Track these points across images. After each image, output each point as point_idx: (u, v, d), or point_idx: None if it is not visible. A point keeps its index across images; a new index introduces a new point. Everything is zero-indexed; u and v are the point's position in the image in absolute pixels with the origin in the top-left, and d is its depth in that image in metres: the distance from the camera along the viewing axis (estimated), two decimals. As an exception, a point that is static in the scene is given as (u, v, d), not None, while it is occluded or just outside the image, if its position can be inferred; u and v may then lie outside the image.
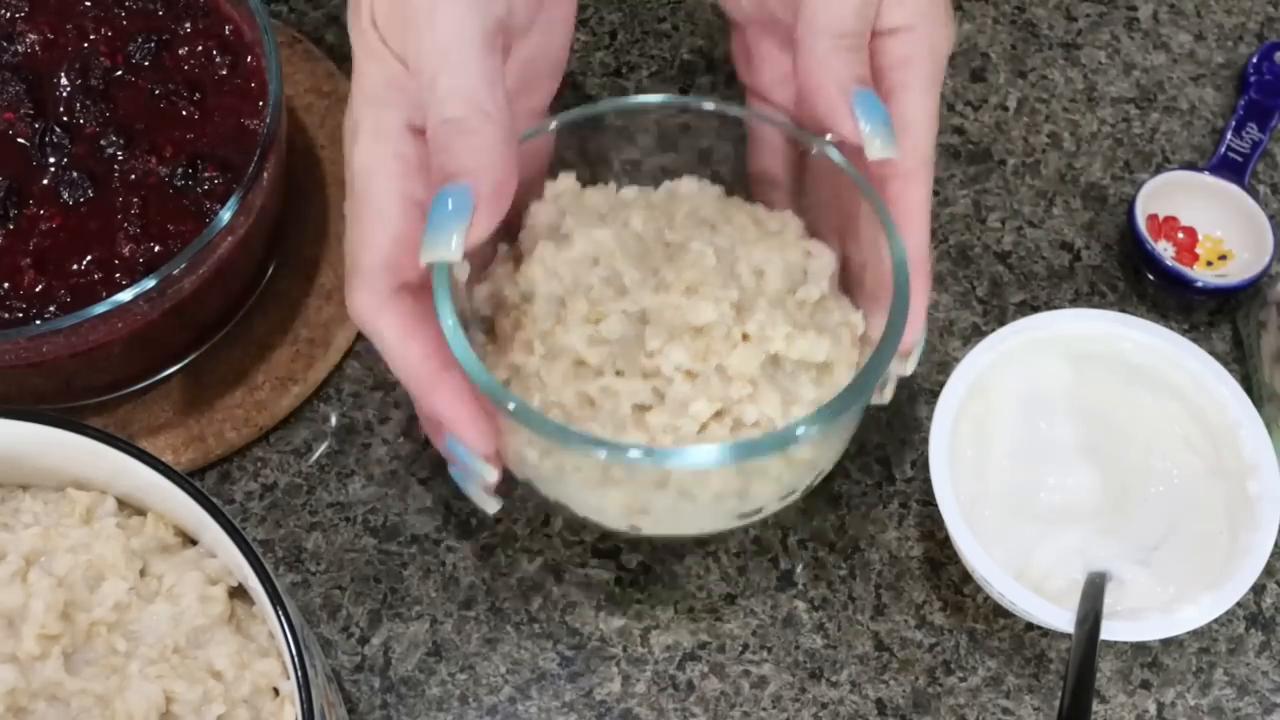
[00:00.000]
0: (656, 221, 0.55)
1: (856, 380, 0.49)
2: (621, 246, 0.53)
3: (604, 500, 0.52)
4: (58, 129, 0.60)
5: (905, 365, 0.53)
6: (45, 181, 0.59)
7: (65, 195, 0.58)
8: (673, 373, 0.51)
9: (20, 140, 0.60)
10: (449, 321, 0.48)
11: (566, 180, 0.57)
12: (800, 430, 0.48)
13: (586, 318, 0.52)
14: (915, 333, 0.52)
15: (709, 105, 0.57)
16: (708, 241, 0.54)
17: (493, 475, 0.50)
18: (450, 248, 0.46)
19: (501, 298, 0.54)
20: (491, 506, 0.53)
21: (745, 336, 0.51)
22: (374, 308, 0.48)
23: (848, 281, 0.56)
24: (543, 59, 0.54)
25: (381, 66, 0.49)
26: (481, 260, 0.55)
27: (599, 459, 0.48)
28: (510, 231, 0.56)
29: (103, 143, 0.60)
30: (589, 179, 0.58)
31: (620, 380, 0.51)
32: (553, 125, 0.55)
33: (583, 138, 0.57)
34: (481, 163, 0.46)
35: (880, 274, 0.52)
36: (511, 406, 0.47)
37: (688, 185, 0.58)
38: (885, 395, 0.54)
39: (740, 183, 0.59)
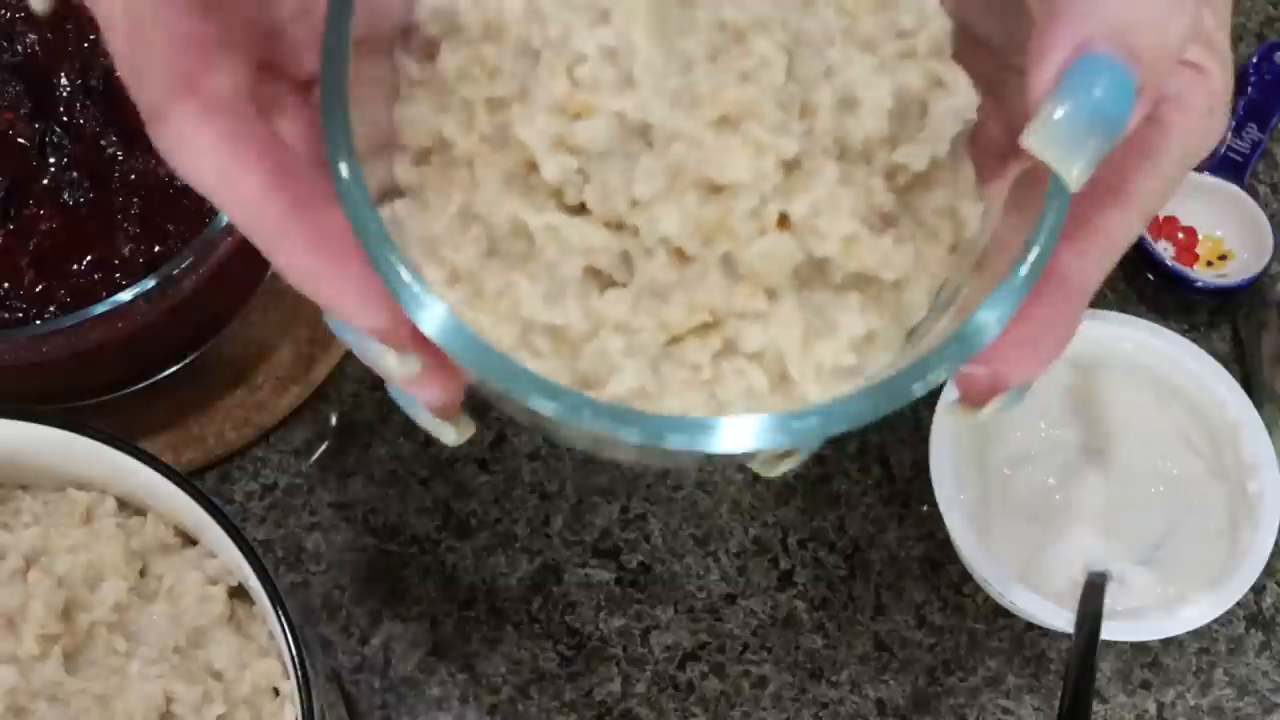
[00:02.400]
0: None
1: (906, 371, 0.32)
2: (653, 4, 0.33)
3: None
4: (58, 129, 0.60)
5: (979, 407, 0.35)
6: (45, 181, 0.59)
7: (65, 195, 0.58)
8: (655, 244, 0.33)
9: (20, 140, 0.60)
10: (342, 165, 0.31)
11: None
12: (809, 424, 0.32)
13: (562, 103, 0.33)
14: (1029, 355, 0.35)
15: None
16: (783, 44, 0.34)
17: (394, 363, 0.33)
18: None
19: (453, 17, 0.34)
20: (450, 434, 0.35)
21: (784, 220, 0.33)
22: (184, 132, 0.32)
23: (986, 138, 0.36)
24: None
25: None
26: None
27: (547, 411, 0.31)
28: None
29: (102, 143, 0.60)
30: None
31: (579, 222, 0.33)
32: None
33: None
34: None
35: (1032, 169, 0.33)
36: (429, 312, 0.31)
37: None
38: (984, 410, 0.35)
39: None
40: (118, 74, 0.61)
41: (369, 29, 0.32)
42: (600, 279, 0.34)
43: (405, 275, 0.31)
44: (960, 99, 0.35)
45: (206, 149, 0.32)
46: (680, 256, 0.33)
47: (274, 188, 0.32)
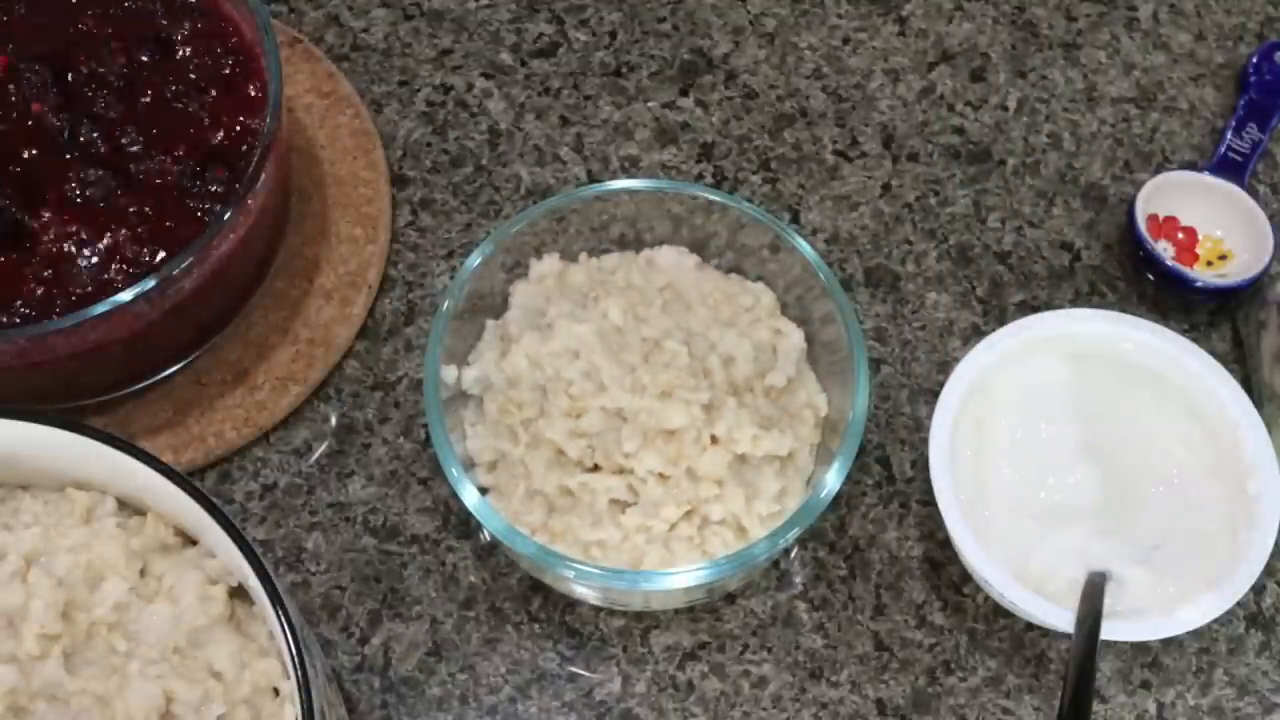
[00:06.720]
0: (635, 311, 0.59)
1: (801, 509, 0.54)
2: (601, 340, 0.57)
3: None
4: (80, 125, 0.59)
5: None
6: (56, 181, 0.59)
7: (77, 194, 0.58)
8: (646, 475, 0.55)
9: (20, 140, 0.60)
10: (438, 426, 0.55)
11: (550, 262, 0.61)
12: (762, 553, 0.53)
13: (567, 411, 0.56)
14: None
15: (688, 191, 0.60)
16: (681, 340, 0.57)
17: None
18: None
19: (488, 381, 0.58)
20: None
21: (714, 439, 0.56)
22: None
23: (814, 354, 0.60)
24: None
25: None
26: (469, 338, 0.60)
27: (569, 578, 0.55)
28: (496, 310, 0.61)
29: (123, 140, 0.59)
30: (573, 255, 0.62)
31: (598, 477, 0.56)
32: (537, 211, 0.59)
33: (566, 220, 0.60)
34: None
35: (838, 359, 0.58)
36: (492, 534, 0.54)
37: (666, 255, 0.62)
38: None
39: (719, 253, 0.63)
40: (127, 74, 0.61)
41: (445, 394, 0.56)
42: (619, 505, 0.56)
43: (508, 528, 0.54)
44: (794, 338, 0.59)
45: None
46: (661, 478, 0.55)
47: None
